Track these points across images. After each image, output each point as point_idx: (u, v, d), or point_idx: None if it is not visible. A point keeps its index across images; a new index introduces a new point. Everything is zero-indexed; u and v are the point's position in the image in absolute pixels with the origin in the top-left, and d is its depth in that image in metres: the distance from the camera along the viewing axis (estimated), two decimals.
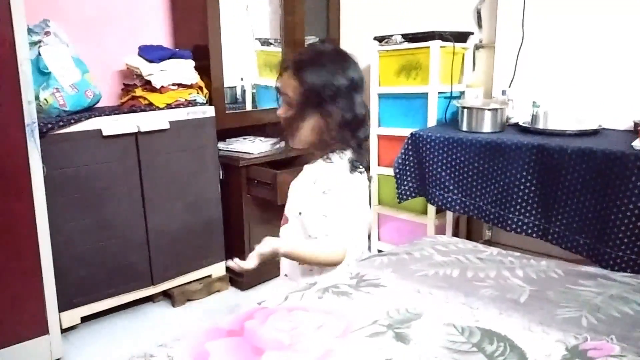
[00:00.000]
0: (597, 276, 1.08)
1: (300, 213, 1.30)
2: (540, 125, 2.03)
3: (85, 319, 2.04)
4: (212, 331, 0.88)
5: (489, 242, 2.57)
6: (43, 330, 1.75)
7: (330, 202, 1.23)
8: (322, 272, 1.27)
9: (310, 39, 2.90)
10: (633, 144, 1.65)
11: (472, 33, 2.49)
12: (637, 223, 1.57)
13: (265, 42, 2.84)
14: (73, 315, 1.98)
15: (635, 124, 1.93)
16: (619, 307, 0.93)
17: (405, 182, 2.22)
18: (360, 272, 1.11)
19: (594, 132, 1.95)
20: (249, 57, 2.82)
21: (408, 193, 2.23)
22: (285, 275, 1.39)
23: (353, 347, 0.81)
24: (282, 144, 1.40)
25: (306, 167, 1.35)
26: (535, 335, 0.83)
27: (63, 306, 1.88)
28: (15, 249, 1.68)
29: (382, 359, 0.77)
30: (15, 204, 1.65)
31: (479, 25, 2.51)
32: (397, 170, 2.22)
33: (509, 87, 2.36)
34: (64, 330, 1.92)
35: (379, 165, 2.61)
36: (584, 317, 0.89)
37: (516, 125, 2.18)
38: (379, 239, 2.72)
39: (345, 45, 3.05)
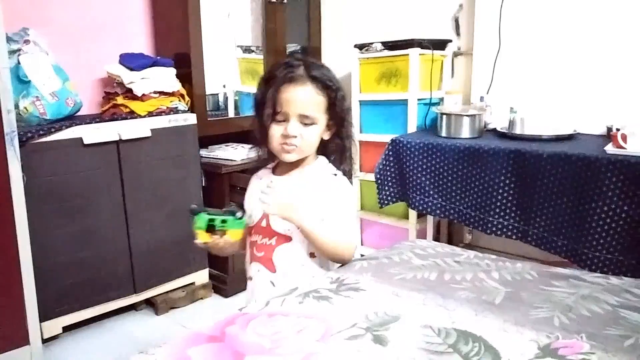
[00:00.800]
0: (569, 277, 1.11)
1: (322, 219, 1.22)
2: (518, 131, 2.07)
3: (67, 329, 2.02)
4: (193, 337, 0.89)
5: (470, 246, 2.61)
6: (24, 340, 1.73)
7: (351, 209, 1.32)
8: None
9: (292, 47, 2.92)
10: (606, 148, 1.70)
11: (451, 41, 2.54)
12: (612, 224, 1.61)
13: (247, 50, 2.86)
14: (54, 325, 1.97)
15: (608, 129, 1.98)
16: (589, 306, 0.96)
17: (386, 188, 2.25)
18: (340, 277, 1.13)
19: (569, 137, 2.00)
20: (230, 65, 2.83)
21: (389, 198, 2.26)
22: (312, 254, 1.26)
23: (333, 350, 0.83)
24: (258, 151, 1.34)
25: (330, 179, 1.27)
26: (510, 335, 0.86)
27: (44, 316, 1.86)
28: None
29: None
30: None
31: (457, 33, 2.56)
32: (378, 176, 2.25)
33: (487, 93, 2.40)
34: (45, 341, 1.90)
35: (361, 171, 2.64)
36: (556, 317, 0.92)
37: (494, 130, 2.23)
38: (361, 244, 2.74)
39: (326, 52, 3.08)
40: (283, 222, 1.21)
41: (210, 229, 1.24)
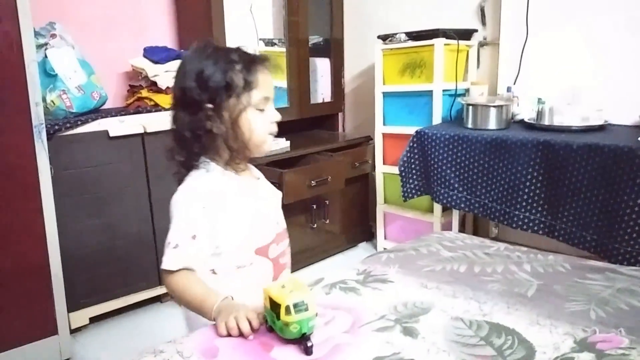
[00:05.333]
0: (604, 270, 1.07)
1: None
2: (546, 122, 2.03)
3: (93, 320, 2.05)
4: None
5: (496, 240, 2.56)
6: (52, 330, 1.76)
7: None
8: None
9: (314, 39, 2.90)
10: (639, 138, 1.64)
11: (476, 30, 2.49)
12: None
13: (269, 42, 2.85)
14: (82, 316, 1.99)
15: None
16: (627, 300, 0.93)
17: (411, 181, 2.22)
18: (367, 269, 1.12)
19: (600, 128, 1.95)
20: None
21: (413, 191, 2.23)
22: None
23: (361, 341, 0.81)
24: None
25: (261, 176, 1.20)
26: (544, 328, 0.84)
27: (72, 307, 1.89)
28: (24, 250, 1.69)
29: (390, 352, 0.78)
30: (24, 204, 1.67)
31: (483, 22, 2.50)
32: (402, 169, 2.22)
33: (514, 84, 2.35)
34: (72, 331, 1.93)
35: (384, 163, 2.61)
36: (592, 310, 0.89)
37: (521, 122, 2.18)
38: (385, 238, 2.72)
39: (349, 44, 3.05)
40: (282, 218, 1.15)
41: None
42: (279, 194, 1.18)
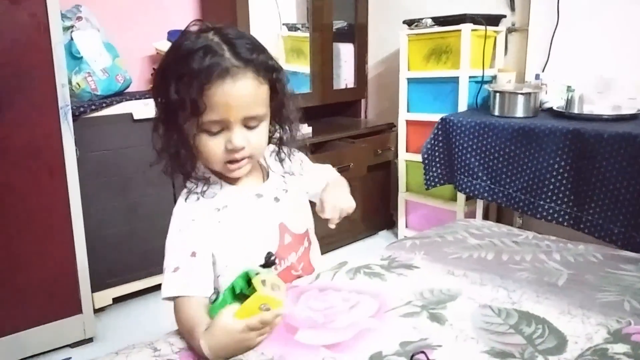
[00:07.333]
0: (638, 260, 1.04)
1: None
2: (575, 110, 1.97)
3: (116, 300, 2.08)
4: None
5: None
6: (76, 309, 1.79)
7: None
8: None
9: (338, 24, 2.87)
10: None
11: (505, 16, 2.43)
12: None
13: (292, 28, 2.82)
14: (105, 296, 2.02)
15: None
16: None
17: (434, 169, 2.19)
18: (391, 255, 1.10)
19: (632, 117, 1.89)
20: (276, 43, 2.80)
21: (436, 180, 2.20)
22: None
23: (388, 326, 0.80)
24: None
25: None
26: (575, 318, 0.81)
27: (95, 287, 1.91)
28: (50, 230, 1.71)
29: (417, 338, 0.76)
30: (50, 185, 1.68)
31: (512, 7, 2.44)
32: (426, 156, 2.19)
33: (543, 71, 2.30)
34: (96, 311, 1.96)
35: (407, 151, 2.58)
36: (626, 301, 0.86)
37: (550, 110, 2.12)
38: (406, 226, 2.69)
39: (373, 29, 3.01)
40: (301, 220, 1.03)
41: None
42: (292, 194, 1.01)
